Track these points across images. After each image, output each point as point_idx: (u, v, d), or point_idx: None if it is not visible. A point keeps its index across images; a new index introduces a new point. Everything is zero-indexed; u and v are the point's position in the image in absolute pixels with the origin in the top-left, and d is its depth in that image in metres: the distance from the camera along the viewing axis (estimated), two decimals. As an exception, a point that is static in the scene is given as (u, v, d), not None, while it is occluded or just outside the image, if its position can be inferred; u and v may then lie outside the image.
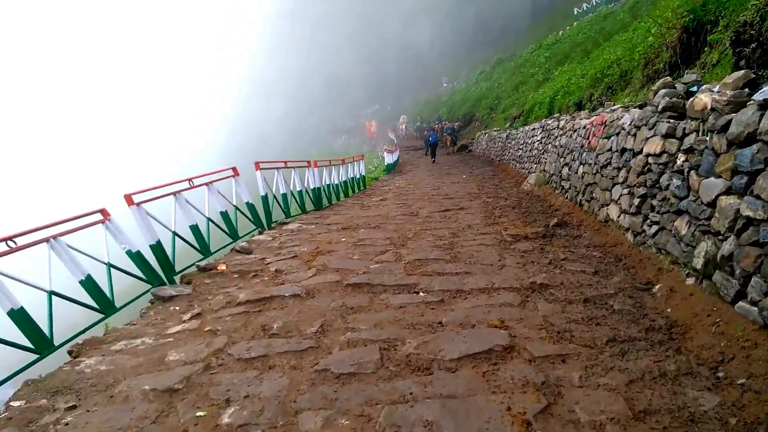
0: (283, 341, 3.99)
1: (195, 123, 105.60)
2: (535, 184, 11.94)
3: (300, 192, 10.83)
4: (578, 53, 25.71)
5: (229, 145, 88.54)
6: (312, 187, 11.46)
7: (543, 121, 14.32)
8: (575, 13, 46.48)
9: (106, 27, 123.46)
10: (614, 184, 6.58)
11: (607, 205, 6.76)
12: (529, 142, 15.59)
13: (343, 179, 14.38)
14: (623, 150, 6.32)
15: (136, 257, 6.14)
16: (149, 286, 6.04)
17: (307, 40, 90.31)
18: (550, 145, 12.19)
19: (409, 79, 70.30)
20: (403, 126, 47.77)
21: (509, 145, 20.25)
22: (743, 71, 4.07)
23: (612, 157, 6.71)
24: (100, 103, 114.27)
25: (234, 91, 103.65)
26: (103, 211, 6.02)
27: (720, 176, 3.97)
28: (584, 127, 8.84)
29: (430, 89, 63.04)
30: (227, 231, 7.85)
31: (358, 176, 16.35)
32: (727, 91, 4.08)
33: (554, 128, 12.09)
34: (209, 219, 7.51)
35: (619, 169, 6.43)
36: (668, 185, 4.88)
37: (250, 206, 8.71)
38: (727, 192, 3.85)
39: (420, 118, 52.25)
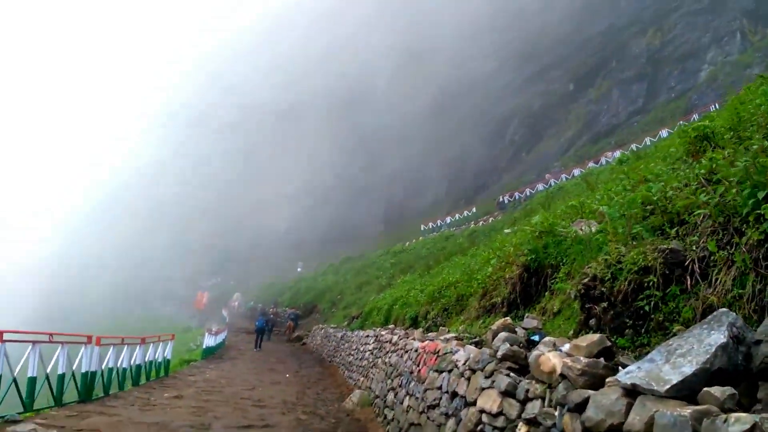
0: None
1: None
2: (357, 404, 10.54)
3: (61, 376, 8.22)
4: (421, 266, 26.93)
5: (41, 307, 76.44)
6: (84, 370, 8.90)
7: (378, 330, 13.55)
8: (422, 229, 50.90)
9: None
10: (442, 434, 5.46)
11: (434, 460, 5.55)
12: (362, 349, 14.56)
13: (138, 362, 11.78)
14: (455, 394, 5.36)
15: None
16: None
17: (155, 208, 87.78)
18: (380, 360, 11.18)
19: (258, 259, 69.49)
20: (236, 303, 45.30)
21: (342, 347, 19.09)
22: (599, 336, 3.41)
23: (442, 399, 5.71)
24: None
25: (61, 228, 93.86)
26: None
27: (576, 477, 2.99)
28: (416, 350, 7.99)
29: (278, 272, 62.30)
30: None
31: (160, 359, 13.71)
32: (581, 357, 3.34)
33: (387, 341, 11.24)
34: None
35: (447, 416, 5.38)
36: (506, 462, 3.84)
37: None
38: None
39: (254, 300, 50.71)
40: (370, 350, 13.21)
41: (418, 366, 7.39)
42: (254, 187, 79.88)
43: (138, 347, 11.77)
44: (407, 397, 7.40)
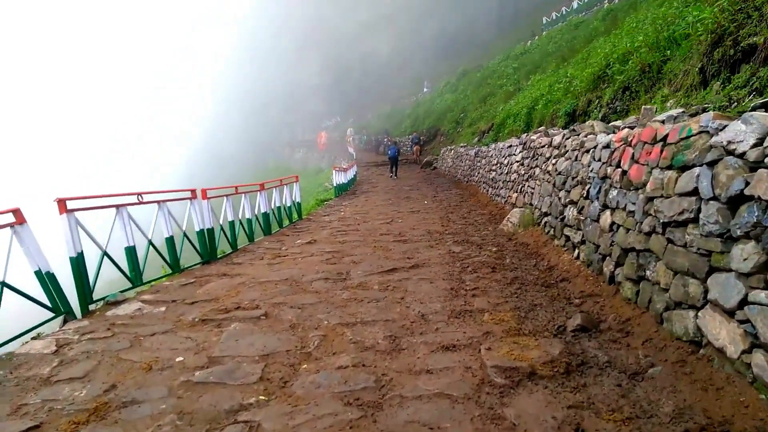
0: None
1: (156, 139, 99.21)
2: (518, 225, 8.57)
3: (169, 240, 7.08)
4: (551, 62, 23.24)
5: (190, 164, 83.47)
6: (198, 228, 7.77)
7: (524, 136, 11.06)
8: (544, 22, 44.42)
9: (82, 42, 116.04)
10: (714, 269, 3.18)
11: (697, 307, 3.34)
12: (505, 162, 12.31)
13: (264, 210, 10.72)
14: (741, 199, 2.95)
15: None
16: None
17: (268, 50, 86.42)
18: (538, 170, 8.87)
19: (371, 91, 67.22)
20: (351, 138, 44.52)
21: (479, 164, 17.02)
22: None
23: (704, 211, 3.32)
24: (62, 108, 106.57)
25: (200, 109, 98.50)
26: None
27: None
28: (606, 146, 5.50)
29: (393, 101, 60.07)
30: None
31: (289, 204, 12.70)
32: None
33: (544, 146, 8.80)
34: None
35: (730, 239, 3.04)
36: None
37: (49, 277, 4.97)
38: None
39: (365, 132, 49.99)
40: (518, 161, 10.92)
41: (619, 166, 4.96)
42: (349, 16, 74.38)
43: (259, 195, 10.60)
44: (607, 212, 5.11)
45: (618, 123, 6.26)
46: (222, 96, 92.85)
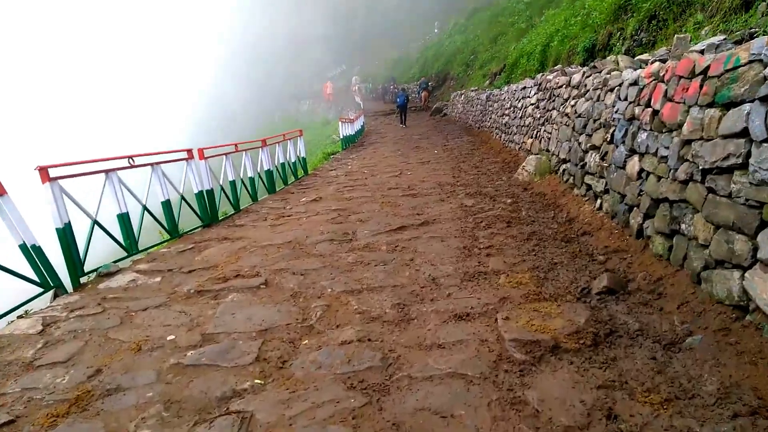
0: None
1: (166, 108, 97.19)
2: (534, 173, 8.09)
3: (165, 203, 6.73)
4: (565, -5, 21.92)
5: (197, 124, 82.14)
6: (197, 190, 7.40)
7: (539, 76, 10.38)
8: (556, -46, 42.01)
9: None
10: (766, 223, 2.75)
11: (744, 267, 2.90)
12: (519, 106, 11.68)
13: (267, 168, 10.31)
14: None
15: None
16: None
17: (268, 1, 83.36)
18: (555, 113, 8.30)
19: (377, 36, 64.99)
20: (356, 88, 43.34)
21: (491, 108, 16.31)
22: None
23: (755, 155, 2.85)
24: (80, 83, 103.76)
25: (205, 70, 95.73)
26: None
27: None
28: (633, 83, 4.96)
29: (401, 47, 58.13)
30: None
31: (293, 160, 12.26)
32: None
33: (561, 86, 8.20)
34: None
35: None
36: None
37: (35, 250, 4.68)
38: None
39: (371, 79, 48.79)
40: (532, 104, 10.31)
41: (649, 106, 4.45)
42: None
43: (261, 152, 10.17)
44: (635, 158, 4.64)
45: (646, 56, 5.66)
46: (225, 54, 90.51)
